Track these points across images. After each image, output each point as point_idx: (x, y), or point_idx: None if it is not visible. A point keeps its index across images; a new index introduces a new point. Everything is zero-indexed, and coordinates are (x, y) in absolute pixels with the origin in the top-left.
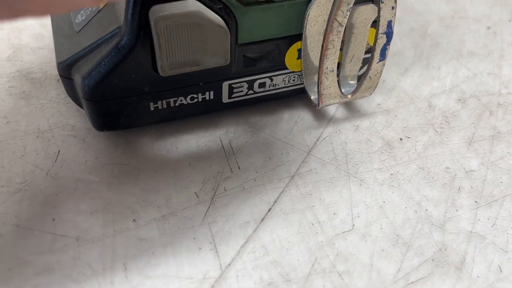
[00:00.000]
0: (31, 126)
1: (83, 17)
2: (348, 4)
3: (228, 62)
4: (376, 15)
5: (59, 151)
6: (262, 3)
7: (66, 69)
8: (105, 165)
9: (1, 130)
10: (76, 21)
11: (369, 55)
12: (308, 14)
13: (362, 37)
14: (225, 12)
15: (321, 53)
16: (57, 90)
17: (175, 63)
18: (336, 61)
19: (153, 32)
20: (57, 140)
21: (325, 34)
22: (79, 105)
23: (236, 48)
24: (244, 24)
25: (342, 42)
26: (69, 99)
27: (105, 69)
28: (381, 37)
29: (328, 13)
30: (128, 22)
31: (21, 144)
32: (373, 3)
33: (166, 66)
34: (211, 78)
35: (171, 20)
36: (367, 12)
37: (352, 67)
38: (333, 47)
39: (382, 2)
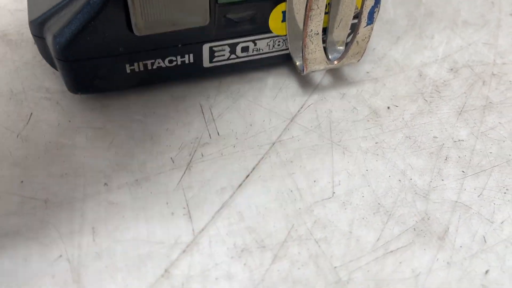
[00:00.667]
0: (4, 88)
1: None
2: None
3: (207, 23)
4: None
5: (31, 113)
6: None
7: (38, 28)
8: (78, 128)
9: None
10: None
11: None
12: None
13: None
14: None
15: (305, 14)
16: (33, 53)
17: (150, 21)
18: (321, 23)
19: None
20: (30, 102)
21: None
22: (54, 66)
23: (217, 8)
24: None
25: (329, 5)
26: (44, 62)
27: (77, 26)
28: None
29: None
30: None
31: None
32: None
33: (141, 25)
34: (190, 40)
35: None
36: None
37: (340, 33)
38: (318, 8)
39: None
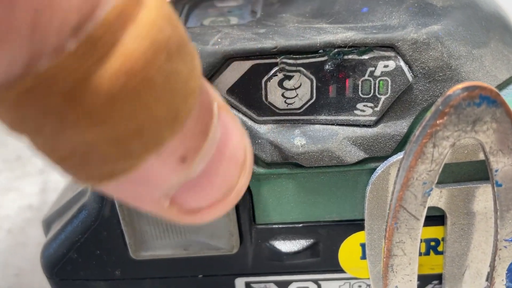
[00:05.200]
0: None
1: None
2: (425, 182)
3: (235, 250)
4: None
5: None
6: (287, 166)
7: (46, 228)
8: None
9: None
10: None
11: None
12: (369, 192)
13: (484, 236)
14: None
15: (383, 262)
16: None
17: (150, 242)
18: (413, 277)
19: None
20: None
21: (386, 230)
22: None
23: (253, 231)
24: (263, 196)
25: (443, 241)
26: None
27: (64, 240)
28: (505, 246)
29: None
30: None
31: None
32: None
33: (137, 245)
34: (215, 271)
35: None
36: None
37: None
38: (403, 254)
39: (500, 185)
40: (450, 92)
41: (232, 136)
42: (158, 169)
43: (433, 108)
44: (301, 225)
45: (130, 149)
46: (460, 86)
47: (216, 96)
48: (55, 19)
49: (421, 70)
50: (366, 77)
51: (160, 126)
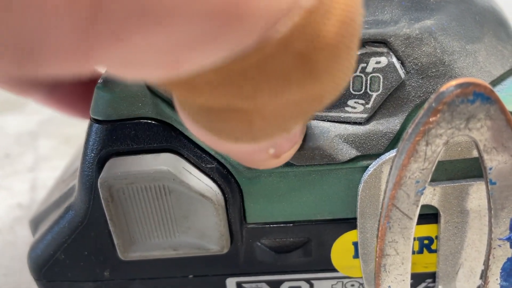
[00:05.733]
0: None
1: None
2: (418, 181)
3: (226, 250)
4: None
5: None
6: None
7: (34, 228)
8: None
9: None
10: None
11: None
12: (361, 190)
13: (478, 234)
14: (220, 175)
15: (375, 261)
16: None
17: (139, 242)
18: (406, 276)
19: (101, 197)
20: None
21: (378, 229)
22: None
23: (244, 231)
24: (254, 195)
25: (437, 239)
26: None
27: (51, 241)
28: (499, 245)
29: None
30: (79, 177)
31: None
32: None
33: (125, 246)
34: (206, 271)
35: (125, 181)
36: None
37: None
38: (396, 253)
39: (494, 183)
40: (443, 88)
41: None
42: None
43: (426, 105)
44: (292, 224)
45: (320, 106)
46: (453, 82)
47: None
48: None
49: (413, 66)
50: (357, 73)
51: (344, 82)
